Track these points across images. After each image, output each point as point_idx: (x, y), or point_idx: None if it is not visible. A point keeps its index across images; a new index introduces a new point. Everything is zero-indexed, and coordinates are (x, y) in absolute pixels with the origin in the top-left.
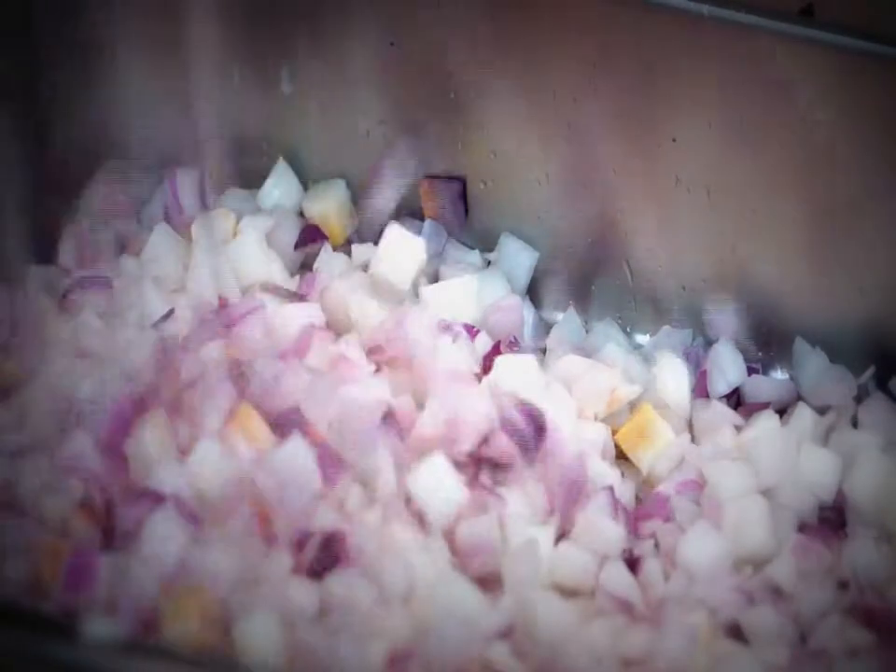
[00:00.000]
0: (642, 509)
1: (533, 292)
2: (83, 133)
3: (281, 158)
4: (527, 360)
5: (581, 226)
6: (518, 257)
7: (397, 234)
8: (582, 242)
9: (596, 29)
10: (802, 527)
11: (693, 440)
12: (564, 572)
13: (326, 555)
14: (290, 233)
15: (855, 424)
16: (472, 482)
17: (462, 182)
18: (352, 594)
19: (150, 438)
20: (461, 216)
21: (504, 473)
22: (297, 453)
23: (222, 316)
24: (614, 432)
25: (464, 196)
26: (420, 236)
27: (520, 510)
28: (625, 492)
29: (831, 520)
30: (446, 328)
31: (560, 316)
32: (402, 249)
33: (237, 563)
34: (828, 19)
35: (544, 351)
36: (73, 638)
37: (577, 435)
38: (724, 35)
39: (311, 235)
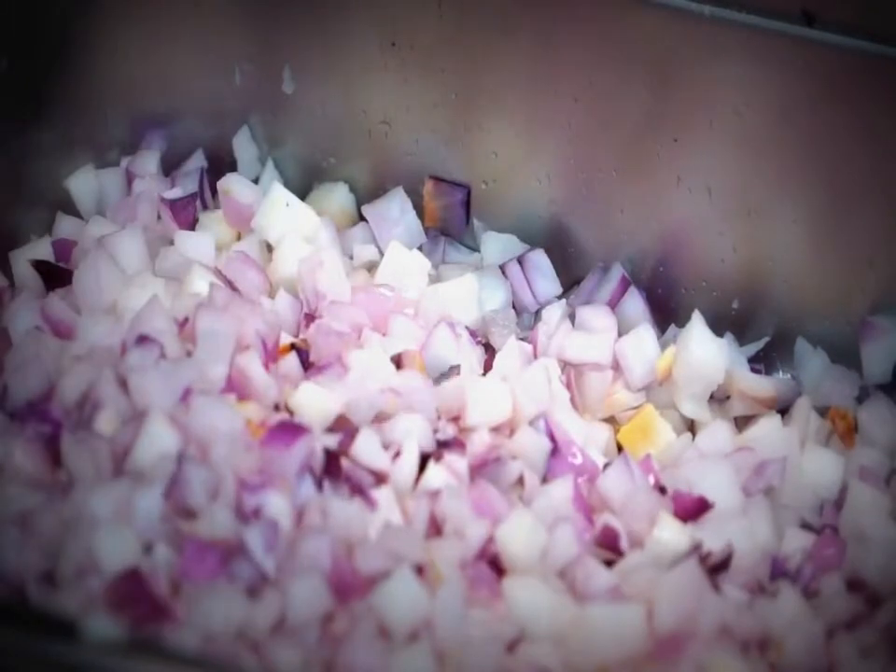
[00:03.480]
0: None
1: None
2: (81, 128)
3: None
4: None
5: (581, 226)
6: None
7: (399, 252)
8: (583, 242)
9: (597, 29)
10: (804, 527)
11: (693, 439)
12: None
13: None
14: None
15: (856, 424)
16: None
17: (467, 189)
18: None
19: None
20: (462, 222)
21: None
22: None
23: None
24: (616, 431)
25: (467, 204)
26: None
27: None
28: None
29: (833, 519)
30: (450, 327)
31: None
32: (406, 266)
33: None
34: (828, 19)
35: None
36: (73, 638)
37: (582, 435)
38: (725, 34)
39: None
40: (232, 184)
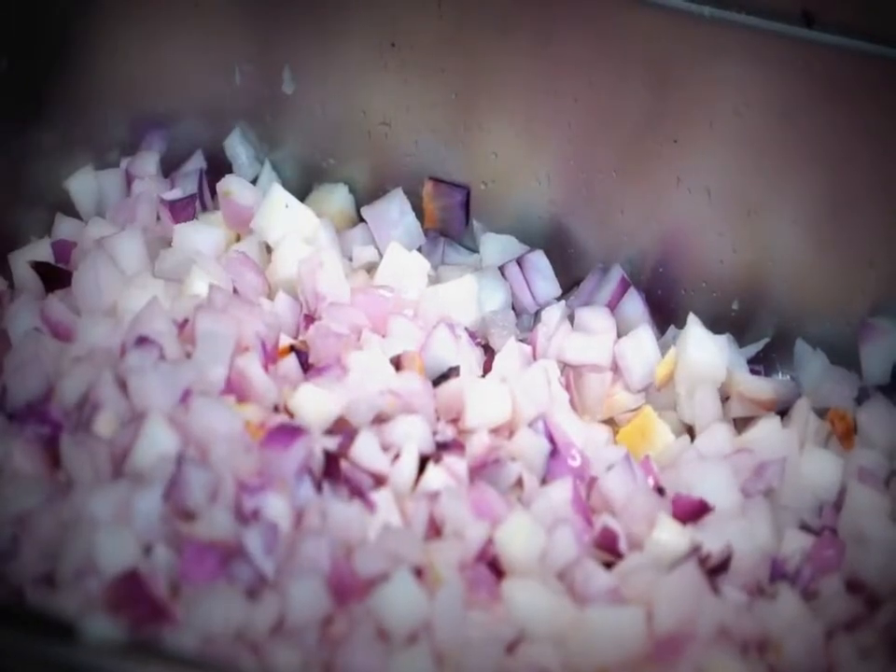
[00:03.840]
0: None
1: None
2: (81, 128)
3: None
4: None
5: (580, 226)
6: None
7: (398, 253)
8: (582, 242)
9: (597, 30)
10: (803, 528)
11: (692, 441)
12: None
13: None
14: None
15: (855, 425)
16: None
17: (466, 191)
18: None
19: None
20: (461, 223)
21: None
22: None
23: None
24: (615, 433)
25: (467, 205)
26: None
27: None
28: None
29: (832, 520)
30: (450, 328)
31: None
32: (405, 267)
33: None
34: (828, 19)
35: None
36: (72, 640)
37: (581, 437)
38: (725, 35)
39: None
40: (232, 185)
